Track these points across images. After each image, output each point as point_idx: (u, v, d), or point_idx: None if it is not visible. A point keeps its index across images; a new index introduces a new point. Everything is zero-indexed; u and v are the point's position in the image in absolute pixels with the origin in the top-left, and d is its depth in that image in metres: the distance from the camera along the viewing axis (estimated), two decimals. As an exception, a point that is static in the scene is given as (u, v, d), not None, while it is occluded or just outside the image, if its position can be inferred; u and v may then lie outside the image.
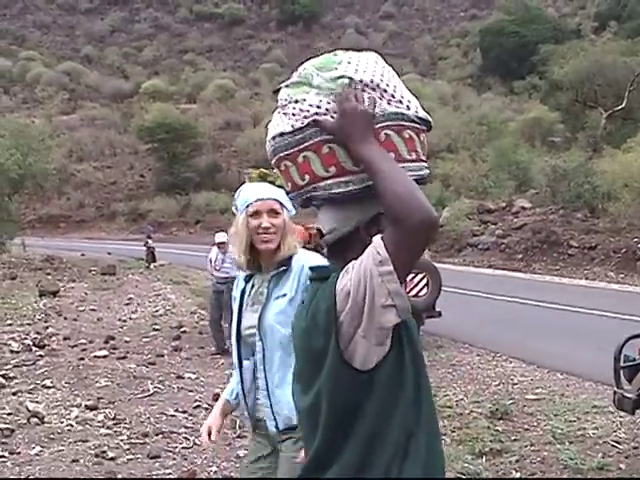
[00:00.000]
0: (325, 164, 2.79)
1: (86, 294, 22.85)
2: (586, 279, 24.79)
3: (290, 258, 4.32)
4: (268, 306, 4.27)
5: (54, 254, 35.57)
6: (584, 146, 44.13)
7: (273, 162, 2.95)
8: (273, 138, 2.90)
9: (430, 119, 2.96)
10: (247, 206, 4.30)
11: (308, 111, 2.79)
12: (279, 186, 4.09)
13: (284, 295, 4.23)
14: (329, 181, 2.80)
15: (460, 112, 64.39)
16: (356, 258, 2.64)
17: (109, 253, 41.09)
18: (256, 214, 4.27)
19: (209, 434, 4.47)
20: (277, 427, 4.29)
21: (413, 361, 2.74)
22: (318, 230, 2.89)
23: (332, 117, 2.75)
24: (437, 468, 2.81)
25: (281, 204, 4.32)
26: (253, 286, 4.43)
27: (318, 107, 2.78)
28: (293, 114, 2.82)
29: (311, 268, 2.93)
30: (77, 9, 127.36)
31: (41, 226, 63.78)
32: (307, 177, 2.83)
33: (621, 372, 7.52)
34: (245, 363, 4.39)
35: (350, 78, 2.77)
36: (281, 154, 2.87)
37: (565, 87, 52.06)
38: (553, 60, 54.60)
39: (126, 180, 71.24)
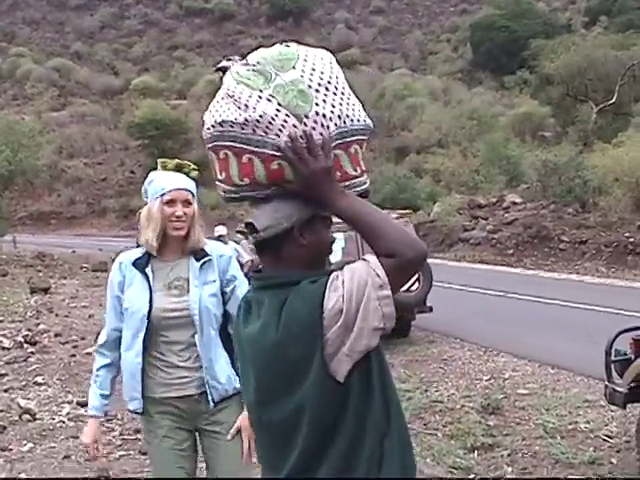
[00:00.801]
0: (269, 174, 2.74)
1: (77, 291, 22.81)
2: (577, 274, 24.80)
3: (203, 249, 4.68)
4: (199, 290, 4.58)
5: (45, 251, 35.52)
6: (575, 140, 44.25)
7: (210, 146, 2.86)
8: (220, 124, 2.79)
9: (372, 125, 2.92)
10: (163, 194, 4.52)
11: (262, 117, 2.70)
12: (192, 178, 4.69)
13: (214, 281, 4.63)
14: (267, 190, 2.79)
15: (450, 107, 64.29)
16: (285, 259, 2.75)
17: (100, 249, 41.02)
18: (171, 202, 4.51)
19: (97, 449, 4.78)
20: (213, 400, 4.60)
21: (377, 360, 2.72)
22: (248, 224, 2.82)
23: (280, 130, 2.68)
24: (410, 457, 2.82)
25: (193, 195, 4.63)
26: (153, 271, 4.61)
27: (272, 120, 2.70)
28: (247, 106, 2.73)
29: (256, 276, 2.90)
30: (67, 5, 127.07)
31: (32, 223, 63.75)
32: (247, 180, 2.78)
33: (612, 366, 7.54)
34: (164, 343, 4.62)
35: (304, 116, 2.70)
36: (225, 143, 2.79)
37: (556, 81, 52.20)
38: (544, 55, 54.68)
39: (117, 176, 71.17)
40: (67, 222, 65.64)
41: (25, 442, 8.60)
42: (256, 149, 2.72)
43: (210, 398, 4.59)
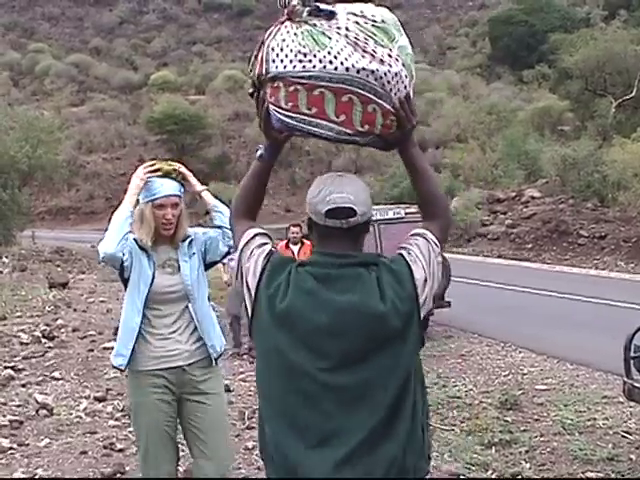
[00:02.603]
0: (383, 126, 3.08)
1: (95, 285, 22.89)
2: (596, 269, 24.73)
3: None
4: (188, 265, 5.33)
5: (64, 246, 35.63)
6: (594, 135, 43.92)
7: (333, 86, 2.98)
8: (357, 70, 2.96)
9: None
10: (154, 199, 5.21)
11: (396, 74, 3.02)
12: (178, 181, 5.38)
13: (194, 253, 5.39)
14: (367, 140, 3.14)
15: (469, 102, 64.14)
16: (359, 242, 3.17)
17: (119, 244, 41.10)
18: (161, 206, 5.21)
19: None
20: (215, 361, 5.35)
21: None
22: (343, 209, 3.07)
23: (399, 89, 3.05)
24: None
25: (180, 197, 5.34)
26: (150, 256, 5.28)
27: (405, 86, 3.08)
28: (382, 61, 2.99)
29: (340, 254, 3.12)
30: (86, 1, 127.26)
31: (51, 218, 63.93)
32: (366, 127, 3.05)
33: (631, 362, 7.48)
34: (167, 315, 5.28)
35: (411, 77, 3.12)
36: (353, 88, 2.97)
37: (575, 76, 51.85)
38: (563, 49, 54.32)
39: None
40: (86, 217, 65.73)
41: (42, 437, 8.60)
42: (380, 101, 3.01)
43: (212, 358, 5.32)
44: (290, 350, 3.03)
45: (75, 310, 17.64)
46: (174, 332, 5.23)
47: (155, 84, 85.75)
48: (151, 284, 5.17)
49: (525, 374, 11.60)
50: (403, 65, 3.04)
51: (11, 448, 8.17)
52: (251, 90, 3.28)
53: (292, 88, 3.01)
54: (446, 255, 15.12)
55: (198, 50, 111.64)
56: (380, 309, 2.96)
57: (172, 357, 5.19)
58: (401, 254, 3.14)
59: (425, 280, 3.09)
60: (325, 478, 2.92)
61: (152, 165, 5.30)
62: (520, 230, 30.88)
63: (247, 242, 3.32)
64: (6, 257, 27.09)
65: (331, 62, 2.94)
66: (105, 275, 25.05)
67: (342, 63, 2.93)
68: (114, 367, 5.31)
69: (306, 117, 3.04)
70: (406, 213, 14.95)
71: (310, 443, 2.98)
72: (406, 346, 3.01)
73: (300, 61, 2.97)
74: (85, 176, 69.31)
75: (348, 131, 3.04)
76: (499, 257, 29.14)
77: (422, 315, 3.07)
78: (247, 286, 3.20)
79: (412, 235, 3.24)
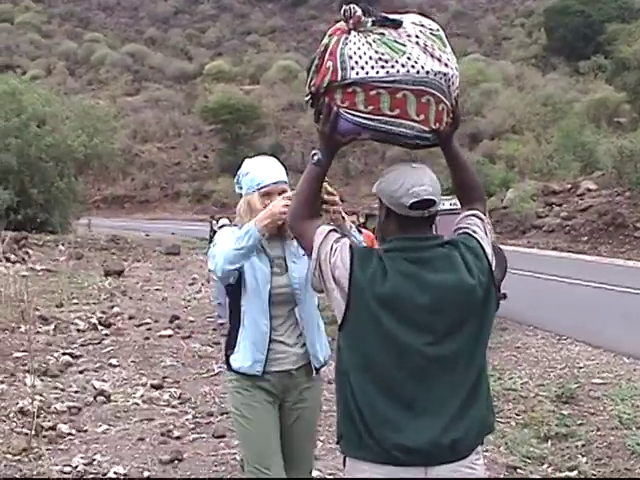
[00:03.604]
0: (443, 123, 3.41)
1: (151, 274, 23.08)
2: (653, 262, 24.48)
3: None
4: (297, 267, 4.85)
5: (119, 234, 35.91)
6: (651, 127, 43.42)
7: (414, 88, 3.27)
8: (435, 73, 3.30)
9: None
10: (261, 188, 4.82)
11: (456, 76, 3.41)
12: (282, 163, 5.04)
13: (303, 255, 4.58)
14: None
15: (524, 93, 63.67)
16: (431, 227, 3.47)
17: (173, 233, 41.42)
18: (268, 195, 4.80)
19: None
20: (316, 369, 4.94)
21: None
22: (426, 201, 3.36)
23: (455, 89, 3.43)
24: None
25: (286, 183, 4.91)
26: (265, 251, 4.85)
27: (456, 87, 3.44)
28: (447, 64, 3.34)
29: (426, 237, 3.45)
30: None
31: (106, 206, 64.52)
32: (437, 125, 3.38)
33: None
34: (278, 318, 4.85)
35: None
36: (428, 89, 3.29)
37: (632, 67, 51.18)
38: (620, 39, 53.68)
39: (190, 161, 71.66)
40: (141, 206, 66.28)
41: (100, 423, 8.70)
42: (446, 101, 3.36)
43: (313, 367, 4.91)
44: (397, 329, 3.28)
45: (131, 298, 17.82)
46: (282, 334, 4.87)
47: (209, 74, 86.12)
48: (270, 282, 4.81)
49: (581, 367, 11.52)
50: (454, 68, 3.38)
51: (70, 434, 8.27)
52: (307, 98, 3.53)
53: (374, 92, 3.24)
54: (501, 247, 15.09)
55: (252, 40, 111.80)
56: (471, 283, 3.34)
57: (281, 360, 4.84)
58: (468, 233, 3.51)
59: (492, 255, 3.49)
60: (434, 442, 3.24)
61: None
62: (575, 222, 30.66)
63: (323, 240, 3.45)
64: (62, 245, 27.29)
65: (413, 66, 3.23)
66: (160, 264, 25.28)
67: (423, 67, 3.24)
68: (248, 375, 4.81)
69: (389, 118, 3.28)
70: (462, 204, 14.90)
71: (416, 413, 3.27)
72: (488, 314, 3.44)
73: (382, 67, 3.23)
74: (140, 165, 69.86)
75: (425, 128, 3.34)
76: (554, 249, 28.93)
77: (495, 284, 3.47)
78: (334, 280, 3.36)
79: (465, 217, 3.60)
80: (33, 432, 7.85)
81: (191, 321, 15.14)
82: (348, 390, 3.37)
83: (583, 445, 8.01)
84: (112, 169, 49.17)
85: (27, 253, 24.46)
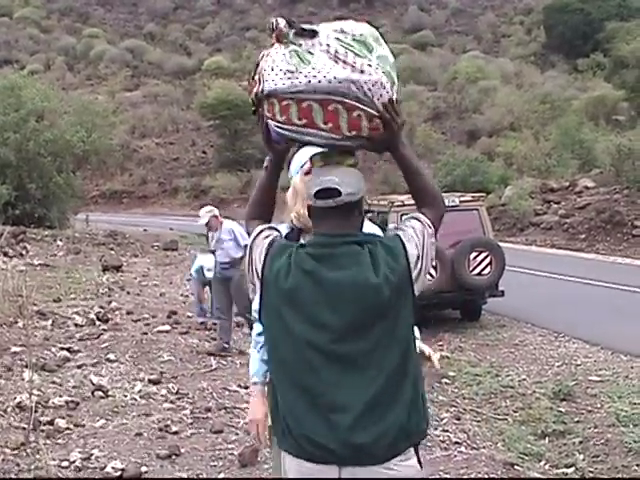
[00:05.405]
0: (370, 129, 3.40)
1: (149, 269, 23.05)
2: (651, 260, 24.48)
3: None
4: None
5: (117, 229, 35.84)
6: (650, 125, 43.44)
7: (318, 98, 3.33)
8: (340, 81, 3.29)
9: None
10: (302, 166, 4.48)
11: (377, 82, 3.35)
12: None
13: None
14: (356, 143, 3.48)
15: (523, 90, 63.57)
16: (351, 222, 3.44)
17: (171, 229, 41.37)
18: (307, 173, 4.38)
19: (259, 432, 4.32)
20: None
21: None
22: (326, 190, 3.36)
23: (381, 95, 3.36)
24: None
25: None
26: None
27: (387, 91, 3.38)
28: (362, 71, 3.31)
29: (335, 234, 3.41)
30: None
31: (104, 201, 64.35)
32: (354, 132, 3.40)
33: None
34: None
35: (392, 83, 3.42)
36: (336, 97, 3.32)
37: (630, 65, 51.19)
38: (619, 37, 53.72)
39: (188, 156, 71.54)
40: (139, 201, 66.15)
41: (98, 418, 8.72)
42: (364, 107, 3.34)
43: None
44: (297, 325, 3.37)
45: (129, 293, 17.80)
46: None
47: (208, 69, 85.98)
48: None
49: (579, 365, 11.55)
50: (383, 73, 3.36)
51: (67, 428, 8.29)
52: (253, 108, 3.60)
53: (284, 103, 3.39)
54: (500, 244, 15.11)
55: (252, 36, 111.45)
56: (373, 281, 3.29)
57: None
58: (397, 234, 3.48)
59: (418, 257, 3.41)
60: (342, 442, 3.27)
61: None
62: (574, 220, 30.65)
63: (255, 237, 3.65)
64: (60, 240, 27.29)
65: (315, 76, 3.31)
66: (158, 259, 25.27)
67: (325, 76, 3.30)
68: None
69: (299, 127, 3.42)
70: (460, 201, 14.90)
71: (325, 410, 3.32)
72: (400, 317, 3.35)
73: (289, 78, 3.35)
74: (138, 160, 69.72)
75: (336, 136, 3.41)
76: (552, 247, 28.94)
77: (416, 291, 3.39)
78: (256, 274, 3.54)
79: (408, 218, 3.60)
80: (31, 427, 7.87)
81: (189, 317, 15.13)
82: (273, 384, 3.60)
83: (580, 442, 8.04)
84: (110, 164, 49.15)
85: (25, 248, 24.39)
